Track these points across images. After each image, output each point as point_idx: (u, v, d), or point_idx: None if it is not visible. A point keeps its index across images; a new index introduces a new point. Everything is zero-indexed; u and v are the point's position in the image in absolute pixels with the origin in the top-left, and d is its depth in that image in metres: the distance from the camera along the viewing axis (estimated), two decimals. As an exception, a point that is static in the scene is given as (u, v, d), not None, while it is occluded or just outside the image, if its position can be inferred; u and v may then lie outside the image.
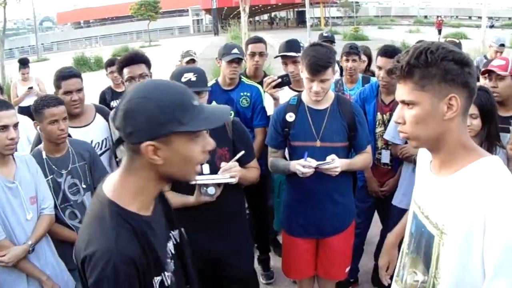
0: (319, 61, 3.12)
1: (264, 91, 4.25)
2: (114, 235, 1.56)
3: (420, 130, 1.71)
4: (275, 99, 4.04)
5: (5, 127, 2.94)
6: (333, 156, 3.17)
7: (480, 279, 1.58)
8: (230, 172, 2.98)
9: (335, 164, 3.14)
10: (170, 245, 1.88)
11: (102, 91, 6.61)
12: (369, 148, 3.47)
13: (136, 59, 3.78)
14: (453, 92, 1.62)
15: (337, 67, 3.92)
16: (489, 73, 3.70)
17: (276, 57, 4.20)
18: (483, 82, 3.67)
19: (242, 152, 3.09)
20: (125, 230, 1.59)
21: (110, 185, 1.70)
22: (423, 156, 1.99)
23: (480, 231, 1.55)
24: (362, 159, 3.42)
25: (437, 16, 48.54)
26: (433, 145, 1.75)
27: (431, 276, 1.77)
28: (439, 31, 39.02)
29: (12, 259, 2.94)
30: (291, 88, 4.16)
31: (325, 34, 6.12)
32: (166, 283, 1.72)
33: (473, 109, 3.19)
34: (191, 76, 3.01)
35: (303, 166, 3.14)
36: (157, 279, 1.68)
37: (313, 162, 3.15)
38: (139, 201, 1.67)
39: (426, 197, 1.85)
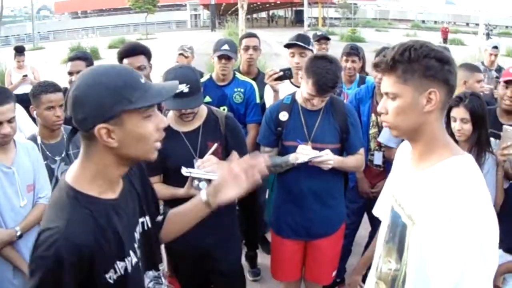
0: (329, 82, 3.07)
1: (261, 87, 4.26)
2: (66, 219, 1.58)
3: (401, 120, 1.83)
4: (275, 91, 4.04)
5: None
6: (327, 151, 3.17)
7: (439, 271, 1.70)
8: (204, 166, 2.97)
9: (329, 157, 3.14)
10: (137, 234, 1.88)
11: None
12: (362, 151, 3.47)
13: (135, 50, 3.81)
14: (433, 87, 1.74)
15: None
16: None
17: (286, 45, 4.16)
18: (503, 92, 3.64)
19: (215, 145, 3.09)
20: (80, 215, 1.61)
21: (70, 172, 1.73)
22: (403, 151, 2.12)
23: (445, 227, 1.66)
24: (355, 160, 3.41)
25: (444, 23, 47.89)
26: (412, 135, 1.86)
27: (403, 264, 1.88)
28: (444, 40, 35.64)
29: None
30: (292, 83, 4.15)
31: (319, 33, 6.10)
32: (129, 268, 1.75)
33: (465, 114, 3.23)
34: (183, 87, 2.95)
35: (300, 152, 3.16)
36: (121, 265, 1.71)
37: (309, 149, 3.16)
38: (99, 185, 1.70)
39: (403, 189, 1.95)
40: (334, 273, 3.66)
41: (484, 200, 1.66)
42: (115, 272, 1.69)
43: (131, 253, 1.79)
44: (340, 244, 3.63)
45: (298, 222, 3.44)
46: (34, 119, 3.71)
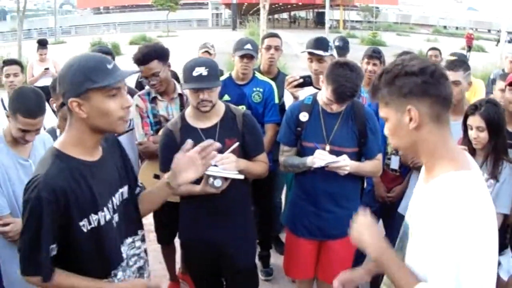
0: (348, 91, 3.09)
1: (280, 88, 4.26)
2: (46, 169, 1.99)
3: (396, 140, 1.91)
4: (295, 98, 4.04)
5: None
6: (344, 156, 3.18)
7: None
8: (223, 163, 2.99)
9: (345, 162, 3.15)
10: (116, 198, 2.27)
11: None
12: (379, 156, 3.45)
13: (146, 58, 3.82)
14: (411, 103, 1.75)
15: None
16: None
17: (303, 52, 4.16)
18: (510, 96, 3.62)
19: (237, 144, 3.10)
20: (58, 167, 2.02)
21: (58, 139, 2.17)
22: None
23: (429, 241, 1.69)
24: (372, 165, 3.40)
25: (466, 29, 45.54)
26: (412, 152, 1.91)
27: None
28: (469, 48, 32.54)
29: (15, 232, 2.97)
30: (314, 87, 4.11)
31: (337, 43, 5.78)
32: (101, 222, 2.14)
33: (480, 122, 3.22)
34: (202, 70, 3.04)
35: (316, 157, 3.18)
36: (95, 217, 2.11)
37: (326, 155, 3.17)
38: (79, 149, 2.11)
39: (415, 203, 1.97)
40: None
41: (470, 217, 1.60)
42: (89, 223, 2.09)
43: (105, 210, 2.17)
44: (354, 246, 3.61)
45: (313, 222, 3.46)
46: (54, 112, 3.75)
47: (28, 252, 2.03)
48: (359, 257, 4.35)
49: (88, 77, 1.97)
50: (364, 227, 2.03)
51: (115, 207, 2.24)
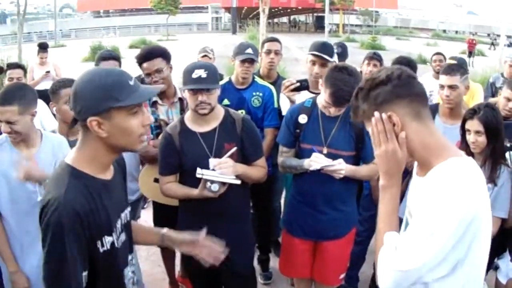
0: (346, 95, 3.07)
1: (280, 92, 4.27)
2: (64, 189, 1.83)
3: None
4: (292, 101, 4.06)
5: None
6: (340, 160, 3.20)
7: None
8: (221, 168, 3.00)
9: (341, 166, 3.17)
10: (122, 218, 2.14)
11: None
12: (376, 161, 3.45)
13: (152, 54, 3.85)
14: (390, 109, 1.82)
15: None
16: None
17: (308, 53, 4.14)
18: None
19: (234, 149, 3.12)
20: (76, 186, 1.87)
21: (70, 155, 2.01)
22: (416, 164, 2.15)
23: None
24: (368, 169, 3.41)
25: (472, 34, 44.89)
26: (408, 154, 1.91)
27: None
28: (470, 53, 30.62)
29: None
30: (310, 91, 4.13)
31: (335, 51, 5.85)
32: (116, 245, 2.03)
33: (479, 126, 3.23)
34: (201, 72, 3.06)
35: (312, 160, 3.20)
36: (108, 239, 1.98)
37: (322, 158, 3.19)
38: (93, 167, 1.97)
39: (412, 197, 2.04)
40: (341, 276, 3.68)
41: (457, 198, 1.66)
42: (102, 245, 1.95)
43: (118, 231, 2.07)
44: (349, 248, 3.65)
45: (309, 223, 3.49)
46: (54, 115, 3.76)
47: (54, 284, 1.83)
48: (358, 262, 4.39)
49: (111, 95, 1.84)
50: (384, 136, 1.91)
51: (122, 227, 2.14)
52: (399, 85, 1.82)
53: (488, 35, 61.29)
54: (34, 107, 3.06)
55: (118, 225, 2.09)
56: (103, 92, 1.84)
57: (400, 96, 1.81)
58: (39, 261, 3.13)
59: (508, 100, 3.98)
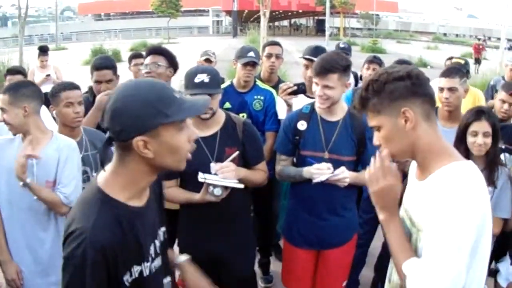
0: (326, 64, 3.14)
1: (277, 95, 4.28)
2: (93, 220, 1.65)
3: (392, 146, 1.93)
4: (289, 105, 4.06)
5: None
6: (342, 168, 3.17)
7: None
8: (223, 172, 2.99)
9: (345, 174, 3.15)
10: (158, 242, 1.97)
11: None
12: None
13: (155, 51, 3.96)
14: (405, 106, 1.84)
15: (352, 79, 3.93)
16: None
17: (301, 57, 4.19)
18: None
19: (237, 153, 3.11)
20: (106, 217, 1.68)
21: (103, 176, 1.79)
22: (412, 165, 2.18)
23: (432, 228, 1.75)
24: None
25: (478, 39, 42.77)
26: (409, 154, 1.95)
27: None
28: (476, 60, 27.47)
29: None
30: (306, 96, 4.16)
31: (341, 45, 6.08)
32: (144, 273, 1.83)
33: (487, 128, 3.22)
34: (204, 77, 3.04)
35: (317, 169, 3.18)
36: (136, 268, 1.79)
37: (324, 169, 3.16)
38: (129, 192, 1.77)
39: (410, 200, 2.04)
40: (344, 283, 3.64)
41: (470, 205, 1.69)
42: (131, 275, 1.76)
43: (150, 258, 1.88)
44: (351, 254, 3.62)
45: (310, 231, 3.45)
46: (54, 119, 3.76)
47: None
48: (358, 265, 4.39)
49: (159, 110, 1.65)
50: (381, 174, 1.96)
51: (157, 250, 1.95)
52: (418, 84, 1.85)
53: (489, 38, 61.32)
54: (26, 102, 3.06)
55: (151, 251, 1.91)
56: (150, 108, 1.65)
57: (416, 95, 1.84)
58: (34, 258, 3.17)
59: (503, 102, 4.01)
